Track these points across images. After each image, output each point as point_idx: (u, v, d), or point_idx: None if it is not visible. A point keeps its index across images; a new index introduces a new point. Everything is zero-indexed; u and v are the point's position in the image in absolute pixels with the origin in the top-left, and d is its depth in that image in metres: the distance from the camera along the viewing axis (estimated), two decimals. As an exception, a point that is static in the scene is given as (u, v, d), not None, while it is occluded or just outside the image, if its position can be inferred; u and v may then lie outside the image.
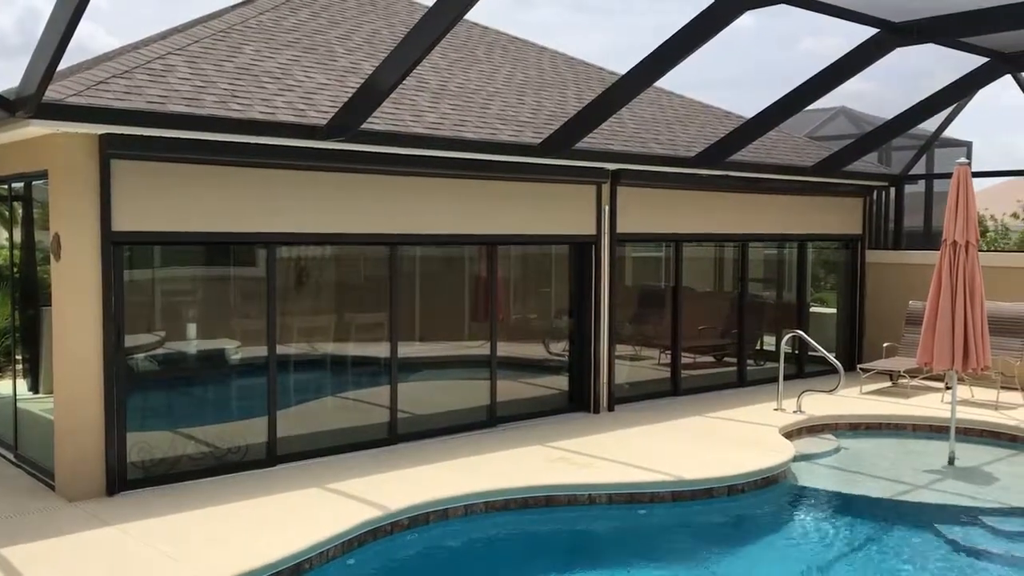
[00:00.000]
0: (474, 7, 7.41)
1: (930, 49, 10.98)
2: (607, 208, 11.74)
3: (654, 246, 13.09)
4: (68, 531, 7.23)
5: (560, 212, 11.37)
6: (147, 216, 8.25)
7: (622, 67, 11.17)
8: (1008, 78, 13.06)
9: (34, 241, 9.41)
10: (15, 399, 9.59)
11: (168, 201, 8.37)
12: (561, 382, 12.02)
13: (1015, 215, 22.89)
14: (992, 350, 10.48)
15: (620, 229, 11.89)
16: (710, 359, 14.03)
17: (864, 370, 13.53)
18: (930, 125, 14.74)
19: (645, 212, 12.22)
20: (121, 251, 8.21)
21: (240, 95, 8.90)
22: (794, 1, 9.11)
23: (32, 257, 9.46)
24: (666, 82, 12.68)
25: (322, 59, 10.81)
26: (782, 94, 11.40)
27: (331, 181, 9.39)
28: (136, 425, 8.47)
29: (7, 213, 9.83)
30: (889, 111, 13.83)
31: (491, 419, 10.97)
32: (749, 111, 12.34)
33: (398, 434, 10.14)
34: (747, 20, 9.33)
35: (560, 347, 12.12)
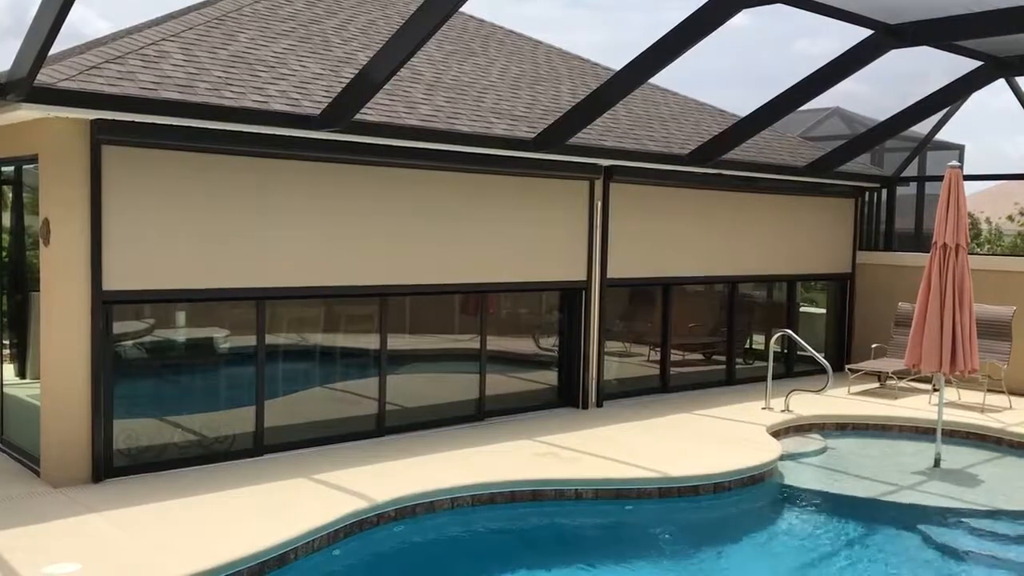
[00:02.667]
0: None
1: (925, 52, 11.02)
2: (599, 205, 11.75)
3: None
4: (51, 517, 7.21)
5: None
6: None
7: (617, 63, 11.17)
8: (1001, 82, 13.10)
9: (24, 226, 9.35)
10: (1, 384, 9.55)
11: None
12: (550, 377, 12.03)
13: (1010, 217, 22.97)
14: (980, 353, 10.52)
15: (610, 273, 11.99)
16: (699, 357, 14.05)
17: (852, 371, 13.57)
18: (923, 128, 14.77)
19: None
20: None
21: (234, 83, 8.86)
22: (790, 0, 9.11)
23: (21, 242, 9.41)
24: (661, 79, 12.67)
25: (317, 48, 10.78)
26: (776, 94, 11.41)
27: (328, 218, 9.43)
28: (123, 412, 8.45)
29: (-3, 197, 9.77)
30: (883, 113, 13.87)
31: (479, 413, 10.97)
32: (743, 110, 12.36)
33: (386, 426, 10.13)
34: (742, 19, 9.34)
35: (550, 342, 12.12)
